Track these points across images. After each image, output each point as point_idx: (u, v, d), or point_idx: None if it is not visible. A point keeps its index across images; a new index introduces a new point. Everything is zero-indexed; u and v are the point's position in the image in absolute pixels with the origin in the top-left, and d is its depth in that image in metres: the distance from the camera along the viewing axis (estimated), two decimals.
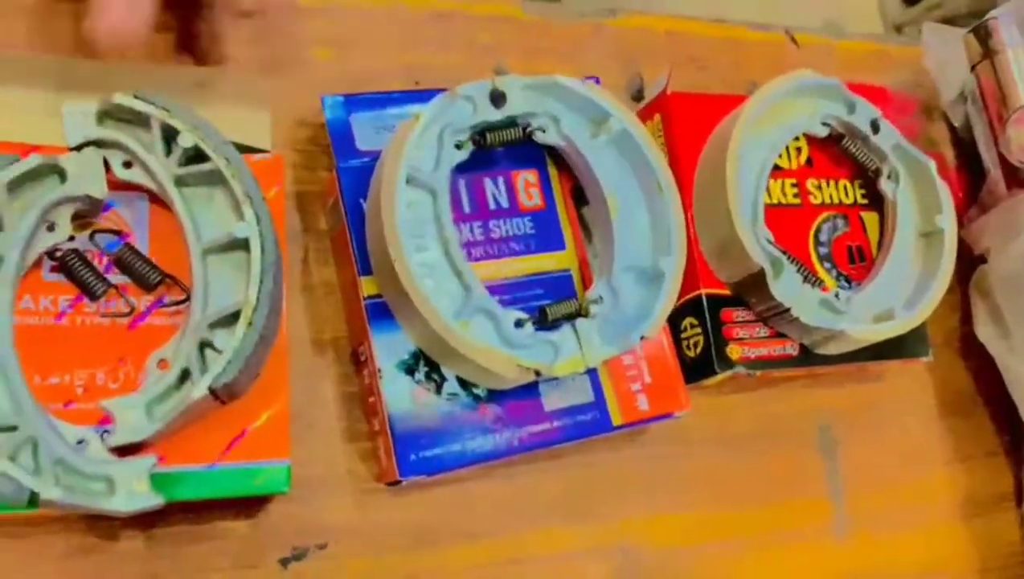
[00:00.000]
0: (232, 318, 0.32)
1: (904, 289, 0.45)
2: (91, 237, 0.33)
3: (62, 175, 0.31)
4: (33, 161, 0.31)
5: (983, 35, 0.52)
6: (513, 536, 0.40)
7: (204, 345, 0.32)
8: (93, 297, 0.33)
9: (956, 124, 0.56)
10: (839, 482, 0.47)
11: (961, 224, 0.50)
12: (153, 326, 0.33)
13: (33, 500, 0.28)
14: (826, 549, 0.46)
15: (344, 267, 0.39)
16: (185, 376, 0.31)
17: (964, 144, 0.56)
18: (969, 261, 0.52)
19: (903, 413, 0.49)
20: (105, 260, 0.33)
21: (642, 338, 0.37)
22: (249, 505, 0.36)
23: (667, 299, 0.38)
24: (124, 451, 0.31)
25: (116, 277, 0.33)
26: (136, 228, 0.34)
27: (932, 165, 0.47)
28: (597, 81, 0.42)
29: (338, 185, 0.38)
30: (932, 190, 0.46)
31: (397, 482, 0.36)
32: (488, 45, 0.46)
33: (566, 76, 0.39)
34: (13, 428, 0.29)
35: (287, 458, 0.34)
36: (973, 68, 0.53)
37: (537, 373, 0.35)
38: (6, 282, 0.30)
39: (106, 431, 0.31)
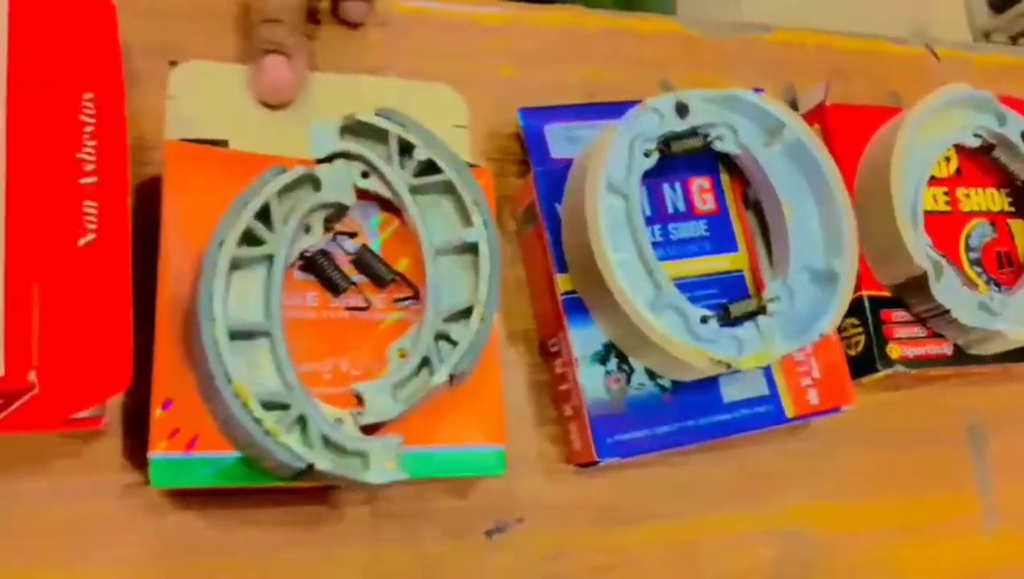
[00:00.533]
0: (464, 313, 0.36)
1: None
2: (333, 239, 0.37)
3: (317, 184, 0.35)
4: (298, 172, 0.35)
5: None
6: (688, 518, 0.43)
7: (440, 337, 0.36)
8: (336, 293, 0.36)
9: None
10: (987, 478, 0.49)
11: None
12: (385, 320, 0.37)
13: (304, 471, 0.32)
14: (975, 542, 0.48)
15: (536, 265, 0.42)
16: (424, 364, 0.35)
17: None
18: None
19: None
20: (345, 260, 0.37)
21: (821, 335, 0.40)
22: (458, 481, 0.39)
23: (843, 298, 0.40)
24: (369, 431, 0.35)
25: (354, 276, 0.37)
26: (367, 231, 0.38)
27: None
28: (760, 92, 0.45)
29: (535, 190, 0.41)
30: None
31: (590, 464, 0.40)
32: (653, 60, 0.49)
33: (744, 91, 0.42)
34: (286, 406, 0.33)
35: (503, 443, 0.37)
36: None
37: (727, 366, 0.38)
38: (276, 277, 0.34)
39: (358, 412, 0.34)
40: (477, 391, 0.37)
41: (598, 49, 0.48)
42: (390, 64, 0.44)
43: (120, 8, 0.38)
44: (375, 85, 0.42)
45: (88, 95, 0.30)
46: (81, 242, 0.28)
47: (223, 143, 0.37)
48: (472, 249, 0.36)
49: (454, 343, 0.35)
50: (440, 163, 0.37)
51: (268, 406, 0.32)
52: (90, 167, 0.29)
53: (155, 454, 0.32)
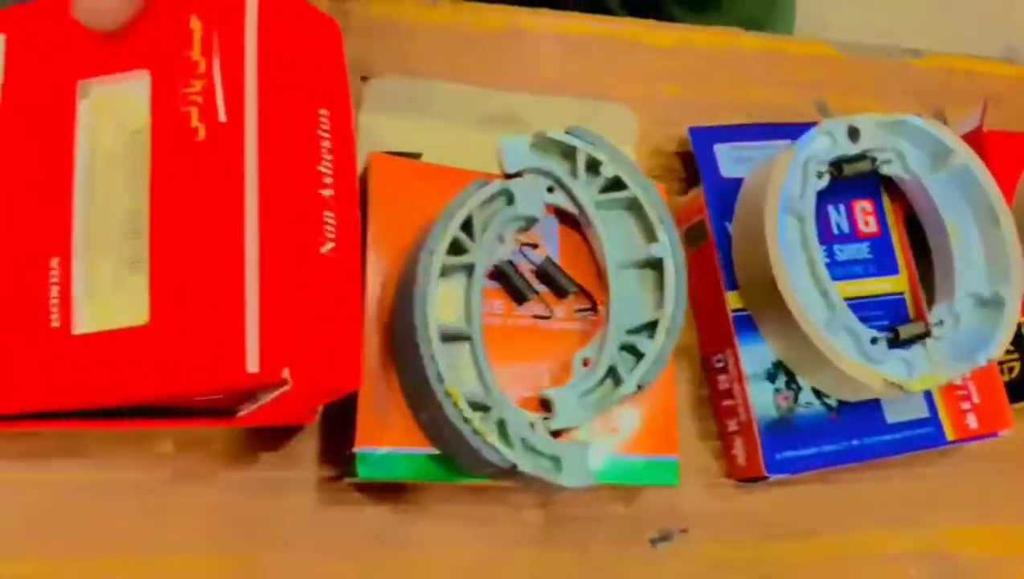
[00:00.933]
0: (648, 326, 0.37)
1: None
2: (519, 250, 0.38)
3: (511, 198, 0.37)
4: (497, 185, 0.36)
5: None
6: (844, 535, 0.43)
7: (625, 348, 0.37)
8: (521, 302, 0.38)
9: None
10: None
11: None
12: (565, 329, 0.38)
13: (503, 471, 0.34)
14: None
15: (702, 282, 0.43)
16: (610, 373, 0.36)
17: None
18: None
19: None
20: (527, 270, 0.39)
21: (988, 360, 0.40)
22: (625, 489, 0.40)
23: (1009, 324, 0.41)
24: (554, 435, 0.36)
25: (536, 286, 0.38)
26: (547, 243, 0.39)
27: None
28: (920, 118, 0.46)
29: (706, 208, 0.42)
30: None
31: (756, 479, 0.40)
32: (808, 81, 0.50)
33: (914, 117, 0.42)
34: (487, 408, 0.34)
35: (677, 454, 0.38)
36: None
37: (900, 388, 0.39)
38: (477, 284, 0.35)
39: (546, 417, 0.36)
40: (652, 402, 0.38)
41: (755, 70, 0.49)
42: (563, 82, 0.45)
43: None
44: (550, 104, 0.44)
45: (324, 111, 0.32)
46: (323, 250, 0.30)
47: (417, 155, 0.39)
48: (654, 264, 0.38)
49: (638, 355, 0.37)
50: (626, 180, 0.38)
51: (473, 407, 0.34)
52: (328, 180, 0.31)
53: (361, 448, 0.34)
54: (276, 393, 0.28)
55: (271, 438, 0.37)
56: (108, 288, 0.29)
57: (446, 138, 0.41)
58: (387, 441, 0.35)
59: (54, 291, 0.29)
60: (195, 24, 0.31)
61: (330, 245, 0.31)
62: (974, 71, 0.54)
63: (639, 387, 0.36)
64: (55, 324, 0.29)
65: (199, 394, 0.29)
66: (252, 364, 0.28)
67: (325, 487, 0.37)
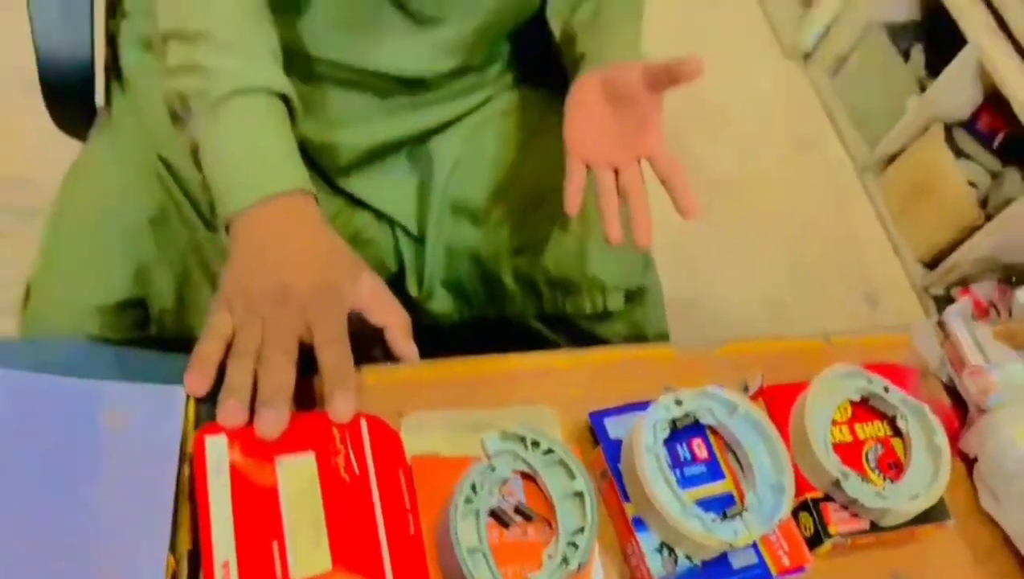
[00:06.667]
0: (580, 530, 0.66)
1: (923, 481, 0.77)
2: (502, 497, 0.68)
3: (494, 468, 0.67)
4: (485, 463, 0.67)
5: (943, 326, 0.88)
6: None
7: (570, 544, 0.66)
8: (506, 526, 0.67)
9: (943, 380, 0.90)
10: None
11: (959, 439, 0.82)
12: (535, 541, 0.67)
13: None
14: None
15: (611, 502, 0.73)
16: (564, 560, 0.65)
17: (953, 391, 0.90)
18: (972, 461, 0.83)
19: (944, 556, 0.79)
20: (511, 509, 0.68)
21: (780, 521, 0.69)
22: None
23: (788, 499, 0.71)
24: None
25: (516, 518, 0.68)
26: (517, 492, 0.69)
27: (927, 408, 0.80)
28: (721, 387, 0.78)
29: (604, 459, 0.73)
30: (929, 424, 0.80)
31: None
32: (658, 373, 0.82)
33: (712, 387, 0.75)
34: None
35: None
36: (942, 345, 0.88)
37: (730, 545, 0.68)
38: (483, 520, 0.65)
39: None
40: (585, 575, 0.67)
41: (625, 371, 0.82)
42: (510, 398, 0.77)
43: (374, 388, 0.73)
44: (509, 412, 0.76)
45: (402, 472, 0.63)
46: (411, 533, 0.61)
47: (436, 454, 0.69)
48: (579, 495, 0.67)
49: (577, 547, 0.65)
50: (555, 449, 0.69)
51: None
52: (408, 504, 0.63)
53: None
54: None
55: None
56: (306, 555, 0.58)
57: (452, 440, 0.72)
58: None
59: (277, 561, 0.58)
60: (335, 432, 0.64)
61: (412, 530, 0.61)
62: (759, 349, 0.87)
63: (579, 566, 0.64)
64: (278, 574, 0.57)
65: None
66: None
67: None
